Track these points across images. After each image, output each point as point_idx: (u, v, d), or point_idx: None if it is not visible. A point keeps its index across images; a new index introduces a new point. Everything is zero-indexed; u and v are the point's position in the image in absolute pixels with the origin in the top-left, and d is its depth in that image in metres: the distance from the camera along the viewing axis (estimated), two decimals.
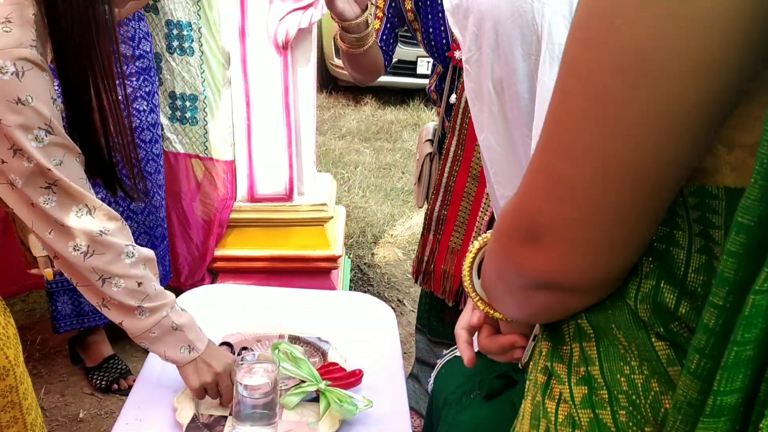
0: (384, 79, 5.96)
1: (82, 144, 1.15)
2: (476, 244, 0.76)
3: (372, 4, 1.71)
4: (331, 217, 2.47)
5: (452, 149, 1.63)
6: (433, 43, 1.59)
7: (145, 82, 2.07)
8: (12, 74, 0.97)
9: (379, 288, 2.90)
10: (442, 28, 1.56)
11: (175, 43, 2.25)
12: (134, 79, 2.02)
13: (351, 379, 1.33)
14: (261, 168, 2.38)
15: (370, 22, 1.54)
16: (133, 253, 1.17)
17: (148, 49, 2.07)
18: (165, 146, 2.30)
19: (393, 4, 1.64)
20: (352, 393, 1.26)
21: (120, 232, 1.16)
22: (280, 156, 2.36)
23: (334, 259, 2.45)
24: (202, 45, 2.25)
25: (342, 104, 5.62)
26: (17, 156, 1.02)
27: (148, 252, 1.21)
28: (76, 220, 1.10)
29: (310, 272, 2.45)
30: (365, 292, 2.84)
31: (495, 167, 1.17)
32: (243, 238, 2.43)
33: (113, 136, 1.20)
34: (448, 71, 1.60)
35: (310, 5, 2.20)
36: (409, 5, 1.60)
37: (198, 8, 2.21)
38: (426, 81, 1.80)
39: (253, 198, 2.42)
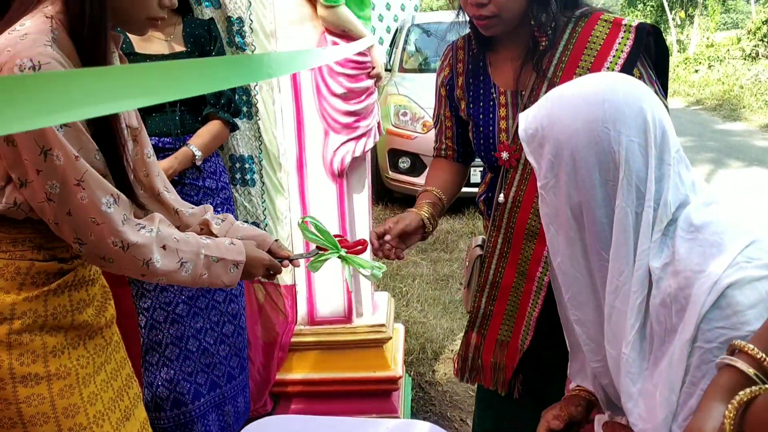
0: None
1: (106, 157, 1.20)
2: (734, 403, 0.75)
3: (436, 118, 1.79)
4: (390, 338, 2.47)
5: (498, 247, 1.64)
6: (482, 141, 1.63)
7: (227, 211, 2.19)
8: (29, 68, 1.02)
9: (441, 407, 2.84)
10: (491, 128, 1.61)
11: (238, 176, 2.38)
12: (219, 209, 2.15)
13: (358, 247, 1.52)
14: (320, 291, 2.44)
15: (426, 223, 1.61)
16: (149, 227, 1.22)
17: (227, 181, 2.21)
18: None
19: (452, 105, 1.72)
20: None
21: (132, 212, 1.21)
22: (337, 279, 2.41)
23: (394, 380, 2.43)
24: (262, 177, 2.37)
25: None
26: (48, 158, 1.07)
27: (153, 217, 1.28)
28: (108, 212, 1.13)
29: (370, 394, 2.44)
30: (427, 412, 2.79)
31: (570, 292, 1.18)
32: (304, 361, 2.45)
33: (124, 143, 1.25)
34: (499, 173, 1.63)
35: (363, 135, 2.32)
36: (462, 105, 1.67)
37: (259, 143, 2.35)
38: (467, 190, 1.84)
39: (313, 321, 2.46)
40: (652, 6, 22.32)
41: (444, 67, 1.73)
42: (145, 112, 1.91)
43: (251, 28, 2.25)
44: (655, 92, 1.45)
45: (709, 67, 16.51)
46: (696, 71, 16.29)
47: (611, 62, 1.47)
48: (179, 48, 2.02)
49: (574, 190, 1.08)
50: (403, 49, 6.99)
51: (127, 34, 1.85)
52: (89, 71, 0.41)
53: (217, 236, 1.46)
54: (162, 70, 0.49)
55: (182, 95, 0.50)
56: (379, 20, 9.31)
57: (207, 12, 2.20)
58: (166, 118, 1.98)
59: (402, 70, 6.77)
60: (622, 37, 1.47)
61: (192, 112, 2.05)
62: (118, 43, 1.28)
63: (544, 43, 1.50)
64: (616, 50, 1.47)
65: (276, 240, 1.53)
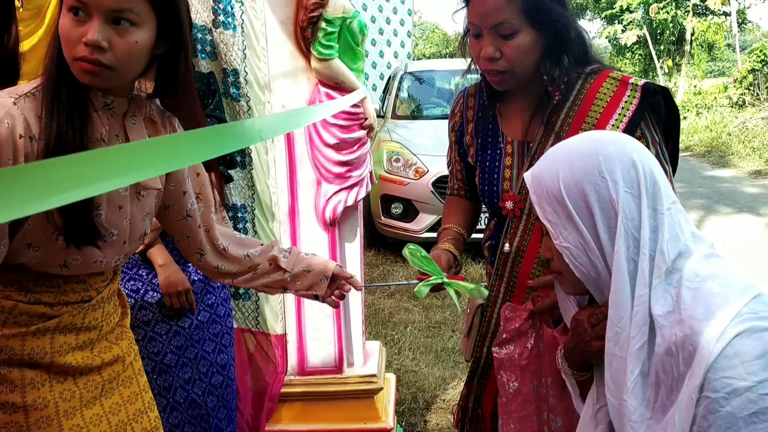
0: (430, 234, 6.01)
1: None
2: None
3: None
4: (381, 389, 2.45)
5: (501, 295, 1.63)
6: (486, 188, 1.63)
7: None
8: None
9: None
10: (496, 176, 1.61)
11: (230, 225, 2.38)
12: None
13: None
14: (311, 341, 2.42)
15: (457, 258, 1.64)
16: None
17: None
18: None
19: (461, 150, 1.73)
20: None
21: None
22: (328, 328, 2.39)
23: None
24: (255, 225, 2.37)
25: (390, 261, 5.72)
26: None
27: None
28: None
29: None
30: None
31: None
32: (293, 412, 2.42)
33: None
34: (503, 221, 1.63)
35: (355, 185, 2.33)
36: (471, 151, 1.68)
37: (252, 192, 2.36)
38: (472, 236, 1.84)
39: (303, 371, 2.43)
40: (641, 55, 22.77)
41: (455, 113, 1.76)
42: None
43: (246, 80, 2.28)
44: (656, 154, 1.48)
45: (697, 114, 16.80)
46: (684, 118, 16.54)
47: (616, 120, 1.48)
48: None
49: (581, 237, 1.13)
50: (396, 95, 7.09)
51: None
52: (73, 158, 0.42)
53: (285, 270, 1.53)
54: (157, 146, 0.50)
55: (177, 167, 0.51)
56: (372, 67, 9.46)
57: (203, 63, 2.23)
58: None
59: (395, 116, 6.85)
60: (629, 96, 1.49)
61: None
62: (142, 108, 1.29)
63: (557, 98, 1.52)
64: (622, 108, 1.48)
65: (338, 265, 1.60)
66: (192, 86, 1.32)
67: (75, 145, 1.15)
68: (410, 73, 7.39)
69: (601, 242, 1.11)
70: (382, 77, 9.39)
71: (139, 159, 0.46)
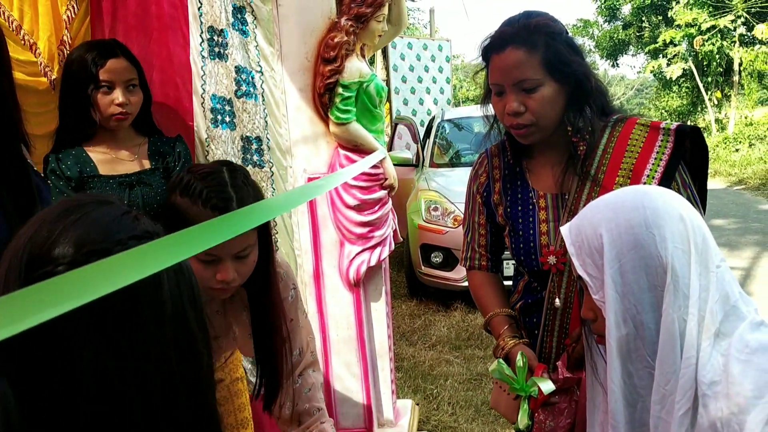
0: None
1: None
2: None
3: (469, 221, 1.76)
4: None
5: (553, 351, 1.59)
6: (521, 245, 1.60)
7: None
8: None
9: None
10: (531, 232, 1.58)
11: None
12: None
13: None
14: (340, 402, 2.41)
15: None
16: None
17: None
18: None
19: (489, 211, 1.68)
20: None
21: None
22: (357, 389, 2.39)
23: None
24: None
25: (432, 310, 5.67)
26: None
27: None
28: None
29: None
30: None
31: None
32: None
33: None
34: (539, 278, 1.59)
35: (378, 245, 2.35)
36: (500, 210, 1.65)
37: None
38: (510, 283, 1.78)
39: None
40: (688, 88, 22.38)
41: (480, 174, 1.72)
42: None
43: (268, 146, 2.34)
44: (688, 197, 1.45)
45: (750, 145, 16.33)
46: (737, 150, 16.12)
47: (653, 164, 1.47)
48: (146, 165, 2.01)
49: (620, 295, 1.07)
50: (434, 143, 7.12)
51: (91, 157, 1.94)
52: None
53: None
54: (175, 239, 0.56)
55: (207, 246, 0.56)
56: (412, 115, 9.52)
57: (224, 134, 2.30)
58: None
59: (433, 165, 6.87)
60: (662, 140, 1.48)
61: None
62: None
63: (582, 148, 1.52)
64: (657, 153, 1.47)
65: None
66: None
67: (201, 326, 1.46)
68: (448, 120, 7.44)
69: (641, 299, 1.06)
70: (422, 124, 9.48)
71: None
